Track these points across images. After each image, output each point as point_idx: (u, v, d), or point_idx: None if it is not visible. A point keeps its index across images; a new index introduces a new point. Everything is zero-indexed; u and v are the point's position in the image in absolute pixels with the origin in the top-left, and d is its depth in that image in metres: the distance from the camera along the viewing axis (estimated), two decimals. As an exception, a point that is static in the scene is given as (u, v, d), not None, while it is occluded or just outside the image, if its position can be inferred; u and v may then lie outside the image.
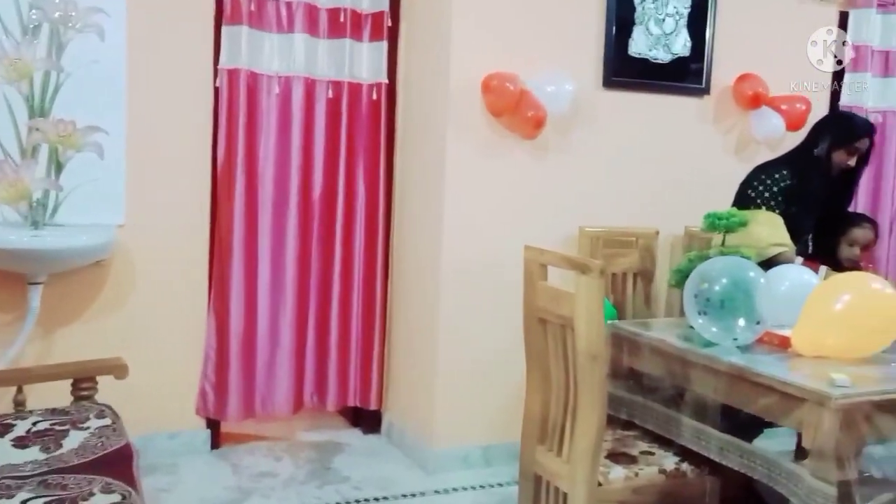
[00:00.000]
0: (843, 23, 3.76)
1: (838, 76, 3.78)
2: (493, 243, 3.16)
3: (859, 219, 3.07)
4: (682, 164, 3.51)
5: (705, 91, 3.52)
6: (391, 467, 3.23)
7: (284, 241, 3.24)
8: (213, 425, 3.28)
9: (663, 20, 3.37)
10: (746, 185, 2.90)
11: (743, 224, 2.47)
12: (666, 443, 2.35)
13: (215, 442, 3.30)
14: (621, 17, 3.30)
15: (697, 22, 3.44)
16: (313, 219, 3.31)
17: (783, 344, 2.25)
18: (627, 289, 3.33)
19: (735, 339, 2.22)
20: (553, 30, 3.22)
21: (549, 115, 3.11)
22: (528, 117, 3.06)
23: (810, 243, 3.05)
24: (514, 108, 3.05)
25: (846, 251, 3.03)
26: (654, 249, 3.39)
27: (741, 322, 2.19)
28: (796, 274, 2.44)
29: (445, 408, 3.19)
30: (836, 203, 2.96)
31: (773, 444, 2.43)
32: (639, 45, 3.35)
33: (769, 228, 2.71)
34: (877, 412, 1.84)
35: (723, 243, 2.50)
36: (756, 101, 3.46)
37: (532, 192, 3.26)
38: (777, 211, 2.79)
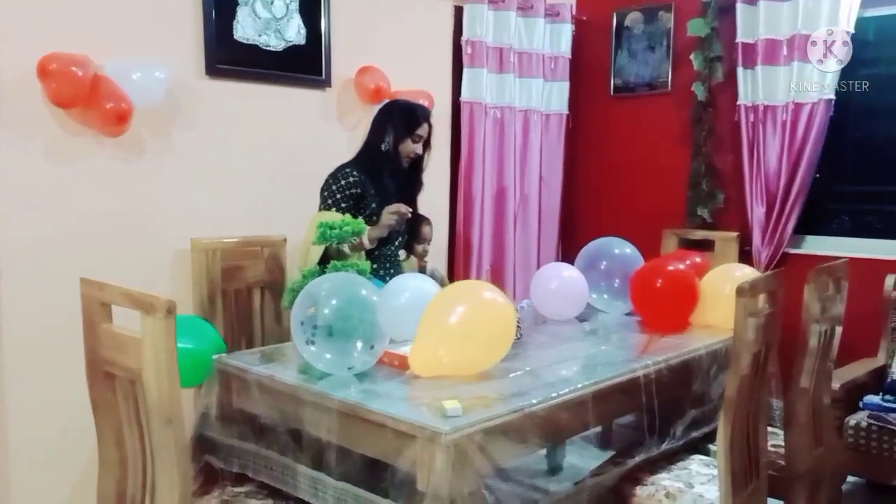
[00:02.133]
0: (458, 18, 3.75)
1: (458, 71, 3.78)
2: (69, 275, 2.51)
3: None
4: (307, 162, 3.19)
5: (326, 83, 3.24)
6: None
7: None
8: None
9: (272, 3, 3.01)
10: (321, 189, 2.73)
11: (358, 232, 2.22)
12: (284, 497, 2.00)
13: None
14: (222, -4, 2.86)
15: (311, 8, 3.13)
16: None
17: (403, 365, 2.03)
18: (254, 306, 2.93)
19: (351, 368, 1.94)
20: (139, 4, 2.67)
21: (137, 108, 2.57)
22: (107, 110, 2.48)
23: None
24: (87, 99, 2.45)
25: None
26: (282, 259, 3.03)
27: (357, 347, 1.91)
28: (416, 283, 2.24)
29: (23, 491, 2.50)
30: (408, 193, 2.87)
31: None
32: (246, 30, 2.94)
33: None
34: (489, 439, 1.67)
35: (339, 256, 2.22)
36: (378, 94, 3.27)
37: (124, 202, 2.69)
38: (334, 210, 2.64)
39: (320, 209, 2.69)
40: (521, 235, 4.10)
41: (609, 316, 2.85)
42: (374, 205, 2.70)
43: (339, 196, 2.66)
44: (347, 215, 2.57)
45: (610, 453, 2.34)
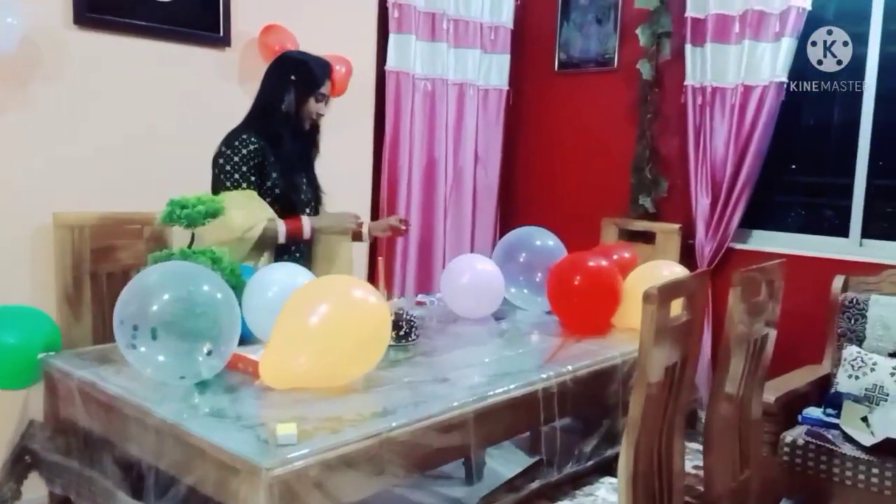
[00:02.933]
0: (384, -23, 3.41)
1: (383, 37, 3.43)
2: None
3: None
4: (202, 128, 2.82)
5: (224, 42, 2.88)
6: None
7: None
8: None
9: (159, -54, 2.64)
10: (213, 163, 2.35)
11: (214, 213, 1.88)
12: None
13: None
14: (96, -65, 2.48)
15: (208, -45, 2.77)
16: None
17: (256, 373, 1.71)
18: (131, 291, 2.58)
19: (183, 378, 1.61)
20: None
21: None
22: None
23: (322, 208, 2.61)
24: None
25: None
26: (166, 238, 2.68)
27: (189, 352, 1.58)
28: (286, 275, 1.92)
29: None
30: (307, 159, 2.53)
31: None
32: (126, -24, 2.58)
33: (241, 209, 2.22)
34: (330, 474, 1.37)
35: (191, 242, 1.89)
36: (283, 57, 2.92)
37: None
38: (246, 185, 2.30)
39: (221, 185, 2.30)
40: (453, 221, 3.79)
41: (527, 314, 2.56)
42: (274, 174, 2.34)
43: (244, 169, 2.30)
44: (250, 190, 2.27)
45: (536, 458, 2.04)
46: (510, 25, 3.85)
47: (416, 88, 3.51)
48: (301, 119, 2.42)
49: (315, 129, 2.52)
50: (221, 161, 2.29)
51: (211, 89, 2.88)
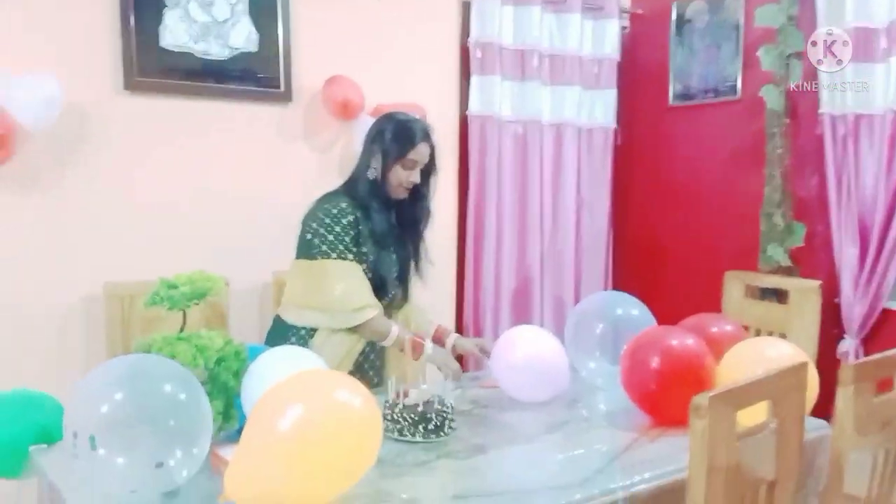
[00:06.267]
0: (465, 16, 3.14)
1: (466, 80, 3.17)
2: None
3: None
4: (263, 189, 2.72)
5: (286, 97, 2.73)
6: None
7: None
8: None
9: (211, 4, 2.55)
10: (305, 226, 2.11)
11: (200, 295, 1.67)
12: None
13: None
14: (144, -4, 2.43)
15: (264, 9, 2.65)
16: None
17: (231, 481, 1.46)
18: (186, 362, 2.46)
19: (134, 492, 1.39)
20: (37, 13, 2.29)
21: (31, 132, 2.19)
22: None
23: (409, 291, 2.33)
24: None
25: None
26: (222, 307, 2.56)
27: (135, 464, 1.36)
28: (291, 362, 1.67)
29: None
30: (410, 230, 2.25)
31: None
32: (177, 36, 2.50)
33: (346, 283, 2.03)
34: None
35: (182, 327, 1.69)
36: (346, 109, 2.73)
37: (17, 240, 2.31)
38: (353, 257, 2.06)
39: (321, 255, 2.05)
40: (552, 277, 3.41)
41: (605, 397, 2.14)
42: (365, 248, 2.09)
43: (347, 240, 2.05)
44: (354, 262, 2.05)
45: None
46: (616, 57, 3.46)
47: (503, 132, 3.21)
48: (389, 187, 2.12)
49: (418, 196, 2.20)
50: (323, 231, 2.04)
51: (273, 148, 2.75)
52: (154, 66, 2.46)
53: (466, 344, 2.29)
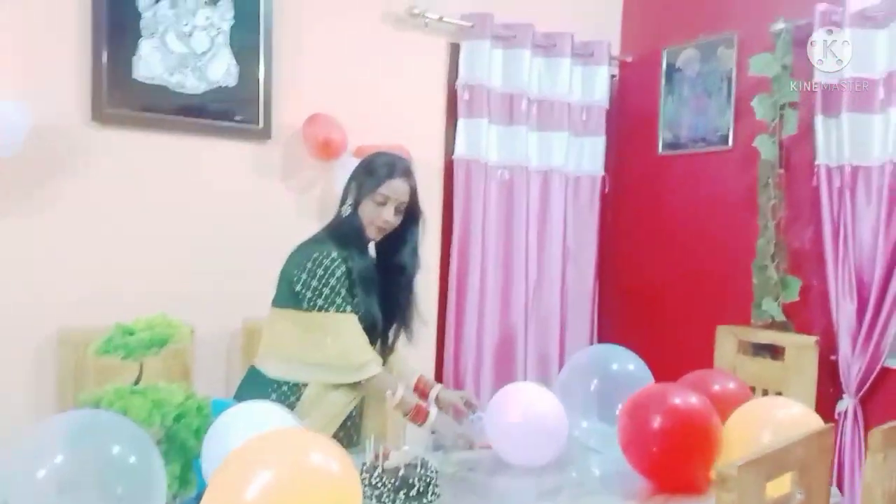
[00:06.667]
0: (454, 57, 3.06)
1: (452, 123, 3.07)
2: None
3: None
4: (238, 231, 2.57)
5: (265, 134, 2.61)
6: None
7: None
8: None
9: (189, 35, 2.43)
10: (290, 274, 1.91)
11: (160, 343, 1.51)
12: None
13: None
14: (118, 25, 2.31)
15: (245, 42, 2.54)
16: None
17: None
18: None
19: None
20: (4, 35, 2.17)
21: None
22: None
23: (395, 341, 2.16)
24: None
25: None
26: (186, 356, 2.38)
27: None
28: (258, 419, 1.51)
29: None
30: (396, 281, 2.09)
31: None
32: (151, 67, 2.37)
33: (347, 338, 1.88)
34: None
35: (138, 378, 1.52)
36: (328, 149, 2.61)
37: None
38: (349, 309, 1.89)
39: (313, 307, 1.87)
40: (537, 327, 3.27)
41: (600, 460, 1.98)
42: (357, 299, 1.92)
43: (344, 292, 1.89)
44: (353, 314, 1.89)
45: None
46: (605, 104, 3.39)
47: (489, 177, 3.10)
48: (362, 227, 1.96)
49: (402, 243, 2.03)
50: (315, 282, 1.86)
51: (249, 187, 2.61)
52: (125, 98, 2.34)
53: (451, 396, 2.12)
